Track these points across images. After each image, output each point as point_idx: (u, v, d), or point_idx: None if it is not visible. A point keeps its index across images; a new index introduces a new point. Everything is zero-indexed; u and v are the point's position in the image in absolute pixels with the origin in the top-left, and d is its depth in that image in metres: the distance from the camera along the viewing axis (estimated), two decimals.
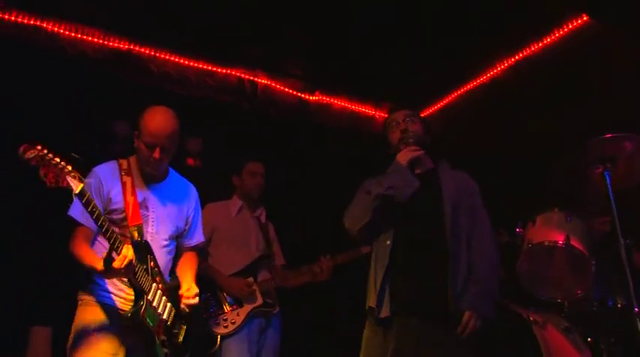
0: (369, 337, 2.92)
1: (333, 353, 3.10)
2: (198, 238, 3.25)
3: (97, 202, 2.70)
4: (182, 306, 2.89)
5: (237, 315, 3.83)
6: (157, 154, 2.86)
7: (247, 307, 3.86)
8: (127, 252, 2.56)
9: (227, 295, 3.90)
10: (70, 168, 2.43)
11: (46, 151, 2.34)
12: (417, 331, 2.76)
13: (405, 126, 3.12)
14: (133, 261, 2.60)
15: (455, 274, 2.84)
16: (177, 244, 3.16)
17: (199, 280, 3.84)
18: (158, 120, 2.89)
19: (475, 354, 2.81)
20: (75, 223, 2.77)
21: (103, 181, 2.87)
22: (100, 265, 2.56)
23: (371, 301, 2.88)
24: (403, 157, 2.99)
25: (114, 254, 2.56)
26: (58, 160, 2.38)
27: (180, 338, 2.94)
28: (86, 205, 2.49)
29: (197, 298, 2.91)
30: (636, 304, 3.45)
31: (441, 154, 3.14)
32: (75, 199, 2.48)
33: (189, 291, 2.91)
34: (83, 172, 2.56)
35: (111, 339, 2.74)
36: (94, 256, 2.67)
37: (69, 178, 2.41)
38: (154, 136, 2.85)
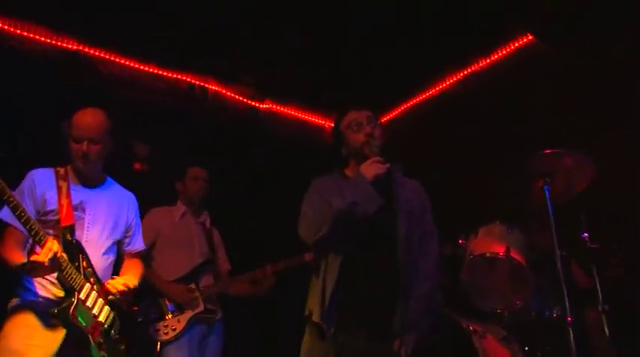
0: (310, 349, 2.82)
1: None
2: (139, 245, 3.26)
3: (28, 203, 2.77)
4: (108, 287, 2.87)
5: (178, 321, 3.79)
6: (84, 146, 2.88)
7: (188, 314, 3.82)
8: (52, 245, 2.56)
9: (168, 301, 3.85)
10: None
11: None
12: (360, 350, 2.70)
13: (369, 130, 2.96)
14: (58, 254, 2.58)
15: (406, 294, 2.77)
16: (119, 250, 3.15)
17: (140, 285, 3.84)
18: (85, 114, 2.95)
19: None
20: (4, 226, 2.76)
21: (36, 182, 2.89)
22: (22, 262, 2.57)
23: (315, 316, 2.77)
24: (369, 171, 2.79)
25: (38, 249, 2.55)
26: None
27: (123, 346, 2.91)
28: (11, 207, 2.52)
29: (124, 287, 2.90)
30: (569, 315, 3.57)
31: (395, 160, 2.98)
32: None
33: (116, 281, 2.91)
34: (6, 167, 2.55)
35: (40, 349, 2.68)
36: (20, 255, 2.66)
37: None
38: (81, 129, 2.90)
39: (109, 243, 3.04)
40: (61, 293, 2.75)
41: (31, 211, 2.76)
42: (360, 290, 2.77)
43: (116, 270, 3.15)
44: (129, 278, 3.00)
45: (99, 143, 2.93)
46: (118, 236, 3.10)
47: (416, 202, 2.99)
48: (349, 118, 3.01)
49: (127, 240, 3.17)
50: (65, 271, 2.68)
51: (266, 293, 4.14)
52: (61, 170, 2.98)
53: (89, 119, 2.93)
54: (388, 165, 2.84)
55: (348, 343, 2.71)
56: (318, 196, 2.88)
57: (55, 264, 2.58)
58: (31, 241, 2.77)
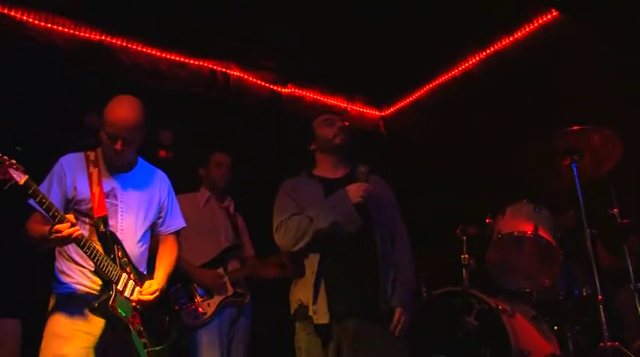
0: (308, 342, 2.96)
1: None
2: (178, 223, 3.19)
3: (56, 190, 2.76)
4: (134, 298, 2.80)
5: (208, 306, 3.83)
6: (118, 146, 2.80)
7: (218, 298, 3.86)
8: (69, 223, 2.55)
9: (197, 286, 3.89)
10: (13, 161, 2.42)
11: None
12: (354, 333, 2.86)
13: (341, 125, 3.25)
14: (76, 232, 2.57)
15: (385, 277, 2.99)
16: (154, 233, 3.11)
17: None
18: (120, 110, 2.81)
19: (405, 347, 3.00)
20: (32, 211, 2.75)
21: (66, 170, 2.85)
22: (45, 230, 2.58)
23: (310, 309, 2.92)
24: (355, 194, 2.99)
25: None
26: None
27: (162, 330, 2.93)
28: (33, 196, 2.50)
29: (153, 296, 2.83)
30: (600, 293, 3.53)
31: (360, 159, 3.19)
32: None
33: (150, 287, 2.85)
34: (26, 163, 2.53)
35: (84, 334, 2.70)
36: (43, 227, 2.64)
37: (12, 171, 2.41)
38: (115, 128, 2.79)
39: (144, 228, 3.00)
40: (98, 283, 2.76)
41: (57, 198, 2.77)
42: (344, 279, 2.93)
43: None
44: (154, 283, 2.90)
45: (133, 141, 2.87)
46: (152, 219, 3.06)
47: (382, 198, 3.20)
48: (323, 116, 3.32)
49: (160, 221, 3.12)
50: (100, 264, 2.68)
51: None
52: (92, 155, 2.93)
53: (124, 116, 2.80)
54: (369, 188, 3.03)
55: (343, 329, 2.88)
56: (290, 200, 3.10)
57: (74, 238, 2.58)
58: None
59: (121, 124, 2.79)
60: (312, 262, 2.97)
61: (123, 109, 2.82)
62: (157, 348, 2.84)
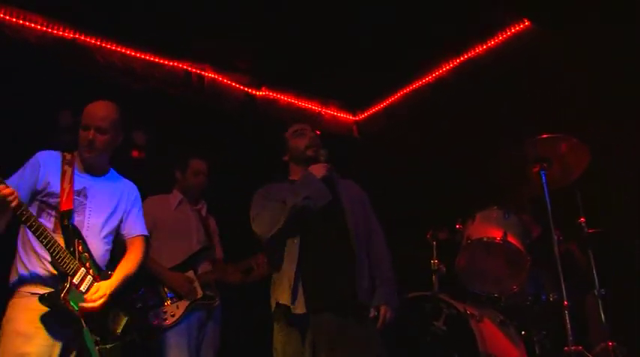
0: (284, 343, 3.00)
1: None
2: (137, 229, 3.21)
3: (26, 179, 2.85)
4: (80, 305, 2.77)
5: (177, 308, 3.80)
6: (90, 135, 2.93)
7: (187, 301, 3.83)
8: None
9: (167, 288, 3.86)
10: None
11: None
12: (331, 327, 2.91)
13: (312, 135, 3.33)
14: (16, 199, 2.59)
15: (361, 271, 3.07)
16: (118, 237, 3.16)
17: (140, 271, 3.85)
18: (94, 105, 3.02)
19: (382, 342, 3.05)
20: None
21: (41, 162, 2.93)
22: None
23: (284, 299, 2.98)
24: (318, 170, 3.15)
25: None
26: None
27: (119, 329, 2.92)
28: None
29: (97, 303, 2.79)
30: (566, 299, 3.60)
31: (334, 164, 3.26)
32: None
33: (96, 292, 2.82)
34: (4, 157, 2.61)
35: (42, 335, 2.69)
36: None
37: None
38: (89, 117, 2.96)
39: (108, 230, 3.07)
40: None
41: (25, 185, 2.84)
42: (320, 271, 3.00)
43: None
44: (102, 288, 2.85)
45: (106, 133, 2.98)
46: (116, 223, 3.12)
47: (355, 197, 3.32)
48: (294, 127, 3.40)
49: (122, 225, 3.17)
50: (57, 256, 2.71)
51: (259, 280, 4.14)
52: (68, 156, 3.03)
53: (99, 109, 3.00)
54: (330, 166, 3.21)
55: (319, 322, 2.92)
56: (266, 200, 3.16)
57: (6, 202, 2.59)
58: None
59: (95, 113, 2.98)
60: (291, 256, 3.03)
61: (98, 104, 3.03)
62: (107, 346, 2.83)
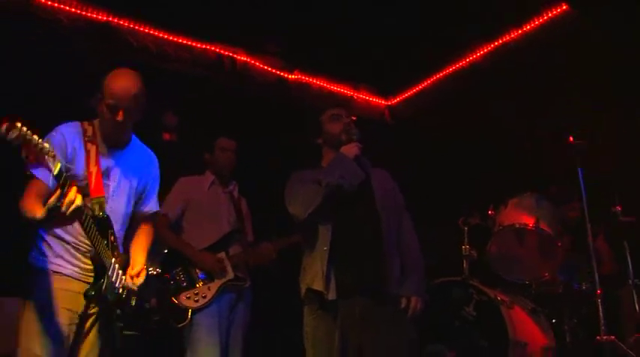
0: (315, 327, 3.03)
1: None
2: (153, 206, 3.11)
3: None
4: (128, 283, 2.80)
5: (209, 289, 3.84)
6: (119, 117, 2.73)
7: (218, 282, 3.87)
8: (74, 195, 2.41)
9: (198, 269, 3.91)
10: (47, 147, 2.33)
11: (27, 130, 2.23)
12: (361, 313, 2.93)
13: (348, 121, 3.30)
14: (82, 207, 2.46)
15: (391, 261, 3.09)
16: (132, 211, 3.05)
17: (172, 253, 3.91)
18: (121, 81, 2.75)
19: (414, 330, 3.08)
20: (29, 179, 2.59)
21: (68, 140, 2.75)
22: (40, 212, 2.46)
23: (317, 285, 3.00)
24: (350, 150, 3.18)
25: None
26: (37, 139, 2.28)
27: (132, 309, 2.90)
28: (61, 185, 2.41)
29: (140, 279, 2.85)
30: (598, 287, 3.56)
31: (366, 149, 3.27)
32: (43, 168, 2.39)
33: (139, 277, 2.86)
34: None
35: (67, 311, 2.68)
36: (40, 207, 2.51)
37: (48, 159, 2.35)
38: (117, 98, 2.72)
39: (129, 211, 2.98)
40: (85, 260, 2.74)
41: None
42: (352, 259, 3.02)
43: None
44: (141, 270, 2.89)
45: (135, 112, 2.80)
46: (133, 203, 3.01)
47: (387, 187, 3.32)
48: (331, 111, 3.39)
49: (142, 200, 3.06)
50: (98, 250, 2.65)
51: (261, 265, 4.15)
52: (89, 129, 2.84)
53: (126, 86, 2.73)
54: (362, 146, 3.22)
55: (349, 309, 2.94)
56: (300, 181, 3.18)
57: (77, 215, 2.48)
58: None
59: (123, 93, 2.73)
60: (323, 240, 3.05)
61: (124, 81, 2.77)
62: (130, 332, 2.84)
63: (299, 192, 3.12)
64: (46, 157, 2.34)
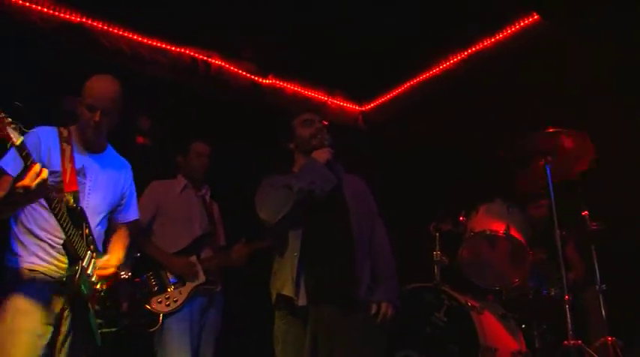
0: (285, 331, 3.03)
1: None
2: (133, 214, 3.23)
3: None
4: (95, 273, 2.80)
5: (180, 293, 3.82)
6: (96, 117, 2.86)
7: (190, 285, 3.85)
8: (37, 169, 2.43)
9: (169, 273, 3.88)
10: (9, 120, 2.38)
11: None
12: (331, 318, 2.92)
13: (320, 126, 3.31)
14: (47, 182, 2.48)
15: (361, 267, 3.07)
16: (110, 218, 3.13)
17: (143, 257, 3.88)
18: (100, 83, 2.92)
19: (383, 336, 3.08)
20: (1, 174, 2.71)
21: (42, 139, 2.85)
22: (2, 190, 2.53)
23: (287, 291, 3.00)
24: (321, 155, 3.17)
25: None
26: None
27: (121, 310, 2.94)
28: (25, 158, 2.43)
29: (109, 270, 2.85)
30: (567, 293, 3.62)
31: (339, 154, 3.28)
32: (9, 151, 2.47)
33: (108, 262, 2.87)
34: (25, 122, 2.48)
35: (44, 310, 2.70)
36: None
37: (9, 130, 2.37)
38: (95, 99, 2.87)
39: (106, 211, 3.04)
40: (62, 258, 2.75)
41: None
42: (322, 264, 3.01)
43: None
44: (113, 260, 2.92)
45: (112, 115, 2.93)
46: (113, 204, 3.09)
47: (359, 192, 3.33)
48: (303, 116, 3.37)
49: (119, 208, 3.15)
50: (72, 237, 2.68)
51: (234, 267, 4.13)
52: (65, 132, 2.95)
53: (105, 88, 2.91)
54: (333, 151, 3.21)
55: (320, 313, 2.94)
56: (271, 187, 3.16)
57: (41, 188, 2.48)
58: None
59: (102, 94, 2.88)
60: (293, 246, 3.05)
61: (104, 82, 2.93)
62: (111, 329, 2.85)
63: (270, 197, 3.11)
64: (8, 127, 2.37)
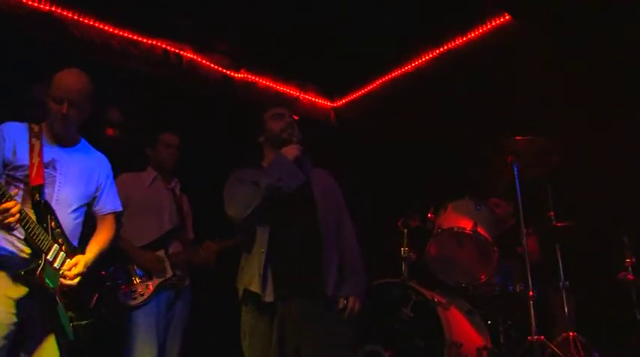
0: (252, 326, 3.03)
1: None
2: (113, 205, 3.23)
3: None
4: (60, 281, 2.80)
5: (147, 287, 3.79)
6: (64, 109, 2.87)
7: (157, 280, 3.82)
8: (12, 206, 2.56)
9: (137, 266, 3.85)
10: None
11: None
12: (299, 313, 2.94)
13: (290, 120, 3.32)
14: (15, 217, 2.57)
15: (329, 264, 3.08)
16: (90, 212, 3.14)
17: (110, 250, 3.84)
18: (68, 76, 2.92)
19: (351, 330, 3.10)
20: None
21: (6, 136, 2.85)
22: None
23: (254, 286, 2.99)
24: (290, 152, 3.16)
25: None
26: None
27: (91, 303, 2.93)
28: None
29: (75, 281, 2.84)
30: (532, 289, 3.68)
31: (309, 150, 3.29)
32: None
33: (71, 270, 2.84)
34: None
35: (6, 298, 2.68)
36: None
37: None
38: (63, 90, 2.88)
39: (79, 203, 3.03)
40: (27, 249, 2.74)
41: None
42: (289, 260, 3.02)
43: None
44: (80, 265, 2.89)
45: (79, 106, 2.92)
46: (88, 196, 3.09)
47: (327, 187, 3.33)
48: (273, 110, 3.39)
49: (95, 201, 3.15)
50: (32, 232, 2.67)
51: (201, 265, 4.12)
52: (35, 127, 2.95)
53: (72, 81, 2.91)
54: (302, 148, 3.20)
55: (286, 310, 2.95)
56: (239, 182, 3.17)
57: (6, 226, 2.59)
58: None
59: (69, 86, 2.88)
60: (260, 242, 3.04)
61: (71, 75, 2.93)
62: (82, 322, 2.86)
63: (237, 193, 3.11)
64: None
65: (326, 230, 3.12)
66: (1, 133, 2.86)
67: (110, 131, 4.99)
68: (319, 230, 3.10)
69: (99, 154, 3.23)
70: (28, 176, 2.82)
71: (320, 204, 3.17)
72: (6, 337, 2.68)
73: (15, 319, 2.70)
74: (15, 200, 2.60)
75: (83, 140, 3.15)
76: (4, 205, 2.55)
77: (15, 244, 2.77)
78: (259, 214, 3.05)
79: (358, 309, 3.09)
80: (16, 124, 2.94)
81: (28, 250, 2.74)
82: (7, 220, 2.56)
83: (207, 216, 4.38)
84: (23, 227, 2.67)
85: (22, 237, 2.73)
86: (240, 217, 3.07)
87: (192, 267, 4.07)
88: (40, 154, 2.87)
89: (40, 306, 2.75)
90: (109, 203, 3.21)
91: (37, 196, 2.80)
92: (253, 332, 3.01)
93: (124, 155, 4.42)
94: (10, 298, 2.70)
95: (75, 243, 2.98)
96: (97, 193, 3.15)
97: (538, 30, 4.88)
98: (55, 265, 2.76)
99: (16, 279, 2.67)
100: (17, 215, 2.58)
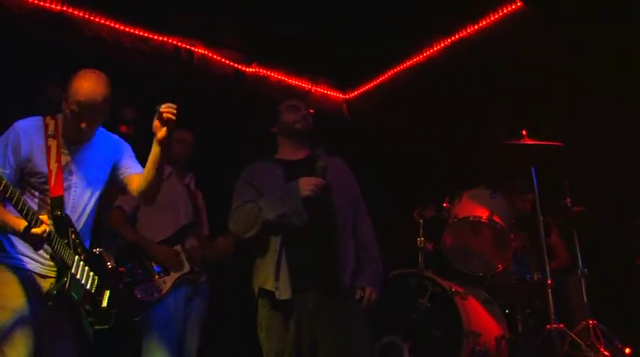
0: (269, 319, 3.01)
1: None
2: (136, 170, 3.01)
3: (10, 158, 2.65)
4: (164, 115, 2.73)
5: (164, 283, 3.80)
6: (83, 125, 2.72)
7: (174, 275, 3.83)
8: (42, 231, 2.51)
9: (154, 262, 3.87)
10: None
11: None
12: (315, 305, 2.92)
13: (306, 113, 3.28)
14: (46, 235, 2.53)
15: (345, 256, 3.06)
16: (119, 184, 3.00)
17: (127, 246, 3.87)
18: (87, 87, 2.68)
19: (368, 322, 3.05)
20: None
21: (22, 137, 2.71)
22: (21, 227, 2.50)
23: (269, 285, 2.97)
24: (306, 188, 3.00)
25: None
26: None
27: (105, 303, 2.90)
28: (3, 192, 2.40)
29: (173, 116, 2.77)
30: (549, 278, 3.66)
31: (319, 141, 3.27)
32: None
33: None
34: None
35: (29, 307, 2.65)
36: (18, 220, 2.53)
37: None
38: (81, 106, 2.67)
39: (93, 202, 2.93)
40: (45, 257, 2.72)
41: (12, 170, 2.67)
42: (306, 253, 2.98)
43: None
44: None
45: (100, 118, 2.79)
46: (104, 184, 2.96)
47: (342, 178, 3.28)
48: (289, 102, 3.37)
49: (118, 173, 2.98)
50: (56, 249, 2.62)
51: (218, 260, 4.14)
52: (51, 124, 2.79)
53: (91, 93, 2.67)
54: (322, 190, 3.03)
55: (304, 301, 2.93)
56: (248, 186, 3.15)
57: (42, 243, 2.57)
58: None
59: (88, 103, 2.67)
60: (274, 240, 3.02)
61: (91, 87, 2.69)
62: (103, 326, 2.85)
63: (240, 211, 3.08)
64: None
65: (342, 220, 3.10)
66: (17, 134, 2.71)
67: (124, 128, 5.01)
68: (335, 222, 3.08)
69: (114, 139, 3.05)
70: (45, 183, 2.72)
71: (335, 194, 3.13)
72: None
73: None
74: (45, 225, 2.52)
75: (100, 129, 2.93)
76: (35, 231, 2.48)
77: (44, 255, 2.72)
78: (261, 239, 3.04)
79: (375, 300, 3.07)
80: (31, 121, 2.78)
81: (48, 260, 2.71)
82: (37, 246, 2.55)
83: (221, 211, 4.41)
84: (50, 245, 2.62)
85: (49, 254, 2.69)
86: (239, 237, 3.11)
87: (208, 262, 4.08)
88: (58, 159, 2.75)
89: (64, 320, 2.75)
90: (136, 167, 3.01)
91: (58, 210, 2.71)
92: (270, 325, 3.01)
93: (138, 152, 4.45)
94: (35, 306, 2.67)
95: (87, 242, 2.91)
96: (120, 166, 2.98)
97: (550, 16, 4.84)
98: (78, 277, 2.72)
99: (48, 299, 2.62)
100: (46, 239, 2.54)
